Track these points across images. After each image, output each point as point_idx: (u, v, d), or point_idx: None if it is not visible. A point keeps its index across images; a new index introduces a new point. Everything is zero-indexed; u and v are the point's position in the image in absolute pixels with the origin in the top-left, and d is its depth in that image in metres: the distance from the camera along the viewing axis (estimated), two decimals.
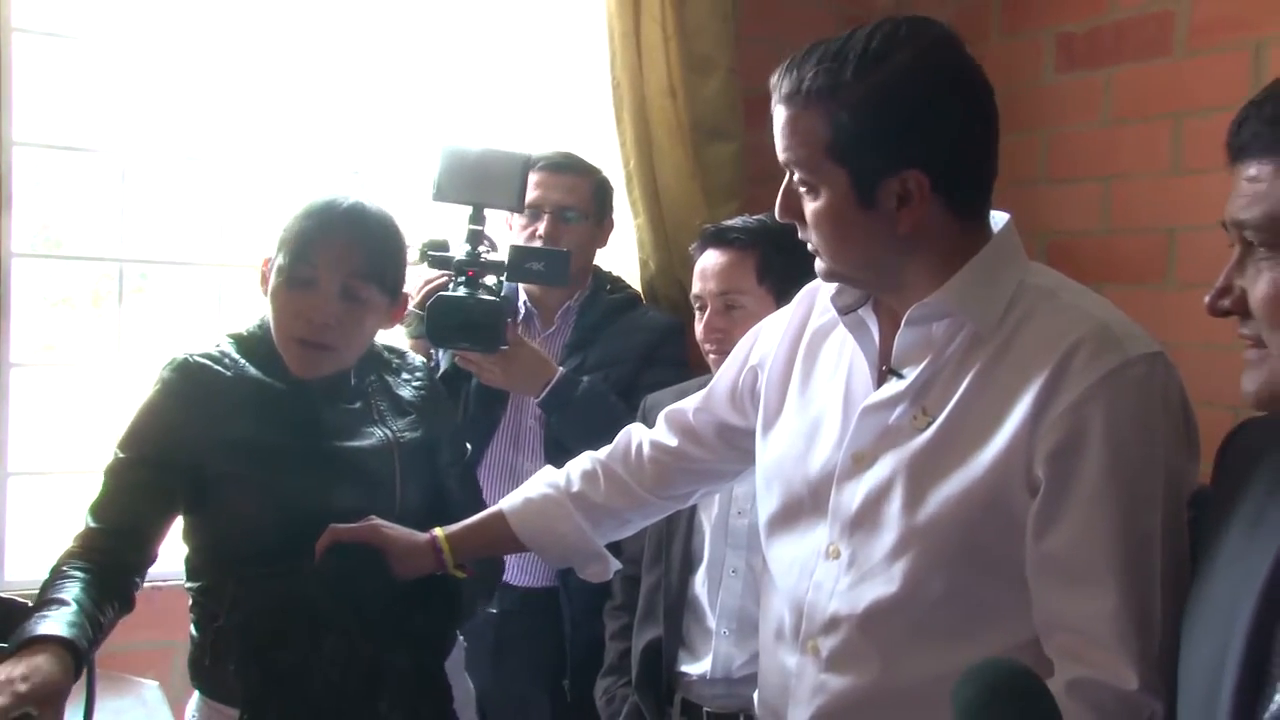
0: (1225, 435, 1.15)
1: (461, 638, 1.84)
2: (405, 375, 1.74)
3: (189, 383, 1.56)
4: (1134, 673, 1.09)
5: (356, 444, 1.61)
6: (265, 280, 1.61)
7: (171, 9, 2.61)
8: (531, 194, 2.22)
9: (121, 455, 1.55)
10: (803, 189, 1.25)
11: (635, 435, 1.64)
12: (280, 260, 1.57)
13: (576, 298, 2.37)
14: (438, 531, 1.57)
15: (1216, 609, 1.03)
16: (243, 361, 1.59)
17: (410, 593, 1.53)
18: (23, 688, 1.25)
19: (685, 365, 2.38)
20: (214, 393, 1.55)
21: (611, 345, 2.31)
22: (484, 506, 1.68)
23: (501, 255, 2.09)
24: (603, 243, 2.44)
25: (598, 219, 2.38)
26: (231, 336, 1.64)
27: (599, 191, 2.38)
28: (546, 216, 2.28)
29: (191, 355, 1.58)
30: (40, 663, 1.29)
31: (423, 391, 1.73)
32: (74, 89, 2.57)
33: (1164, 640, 1.10)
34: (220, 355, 1.59)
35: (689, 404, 1.60)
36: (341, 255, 1.55)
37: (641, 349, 2.32)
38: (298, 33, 2.72)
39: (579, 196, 2.33)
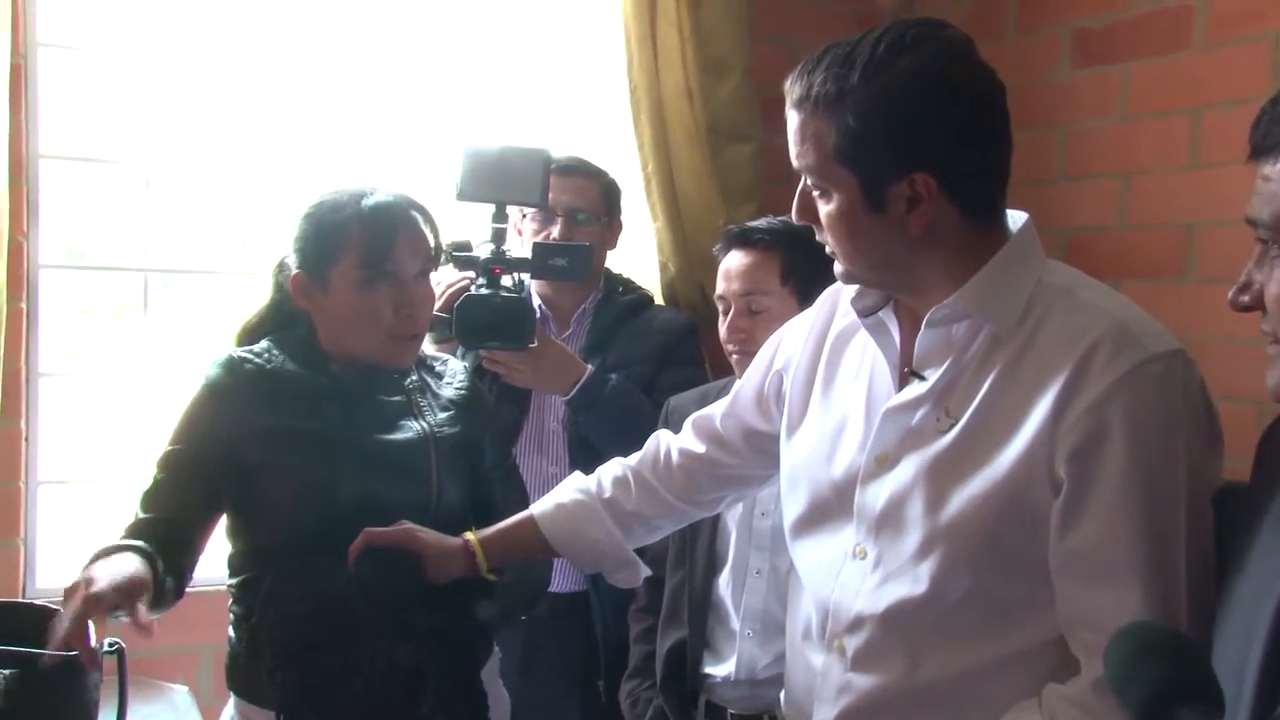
0: (1264, 432, 1.15)
1: (496, 646, 1.84)
2: (448, 378, 1.77)
3: (231, 376, 1.60)
4: None
5: (393, 437, 1.63)
6: (301, 292, 1.64)
7: (193, 23, 2.63)
8: None
9: (170, 448, 1.60)
10: (816, 192, 1.26)
11: (664, 441, 1.64)
12: (348, 267, 1.59)
13: (591, 299, 2.38)
14: (470, 535, 1.58)
15: (1243, 607, 1.03)
16: (283, 357, 1.64)
17: (444, 596, 1.55)
18: (105, 581, 1.31)
19: (701, 364, 2.41)
20: (254, 385, 1.59)
21: (628, 346, 2.31)
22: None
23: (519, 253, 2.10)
24: (613, 244, 2.44)
25: (607, 220, 2.39)
26: (273, 339, 1.68)
27: (608, 193, 2.39)
28: (560, 219, 2.28)
29: (234, 353, 1.64)
30: (123, 559, 1.37)
31: (463, 391, 1.75)
32: (98, 102, 2.60)
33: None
34: (261, 351, 1.64)
35: (715, 410, 1.61)
36: (414, 242, 1.62)
37: (659, 349, 2.32)
38: (317, 43, 2.74)
39: (589, 198, 2.33)
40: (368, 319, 1.60)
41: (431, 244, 1.66)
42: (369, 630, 1.50)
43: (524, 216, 2.30)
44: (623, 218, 2.44)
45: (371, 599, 1.49)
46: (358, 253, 1.58)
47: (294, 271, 1.64)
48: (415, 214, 1.64)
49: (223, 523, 1.64)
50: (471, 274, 2.06)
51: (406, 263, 1.61)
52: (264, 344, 1.66)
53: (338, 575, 1.49)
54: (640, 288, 2.48)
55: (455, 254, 2.04)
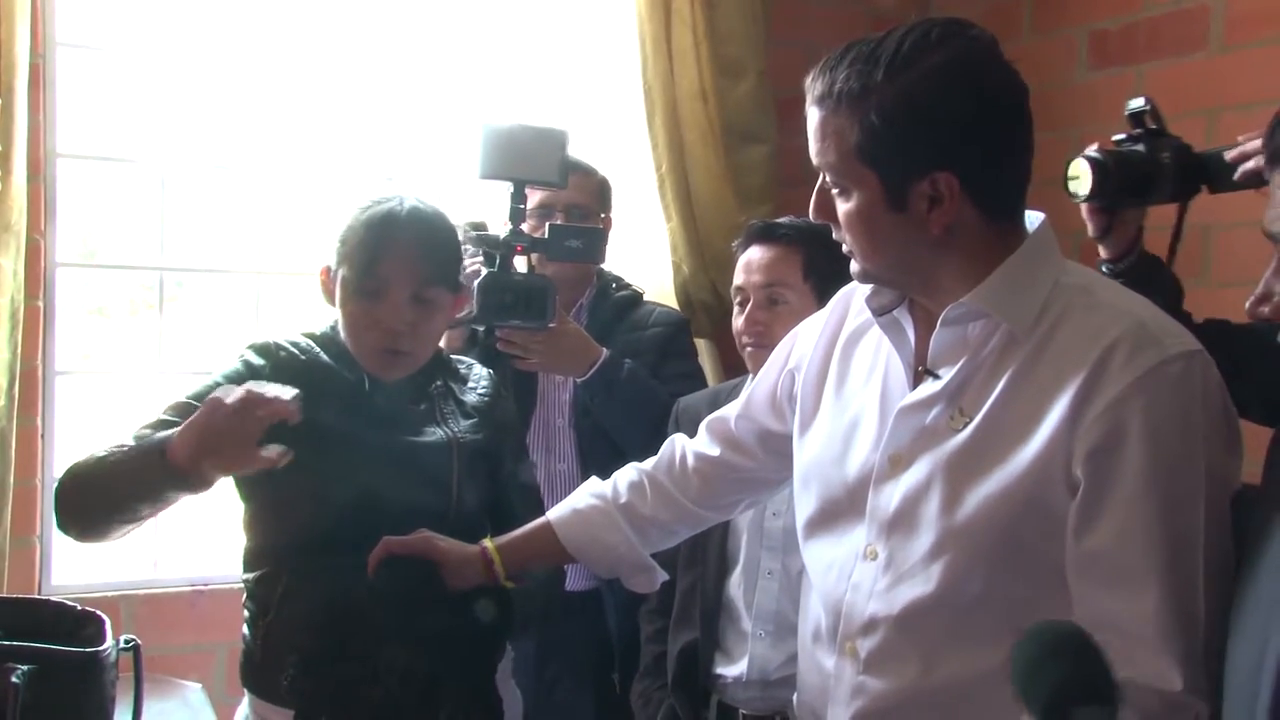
0: (1275, 433, 1.14)
1: (510, 646, 1.84)
2: (471, 383, 1.76)
3: (266, 359, 1.61)
4: (1178, 674, 1.09)
5: (416, 439, 1.63)
6: (327, 288, 1.65)
7: (209, 23, 2.65)
8: (540, 194, 2.23)
9: (185, 399, 1.57)
10: (835, 190, 1.25)
11: (678, 445, 1.63)
12: (345, 273, 1.59)
13: (587, 295, 2.39)
14: (487, 543, 1.58)
15: (1259, 609, 1.03)
16: (317, 350, 1.63)
17: (463, 604, 1.54)
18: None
19: (696, 356, 2.47)
20: (286, 371, 1.58)
21: (627, 340, 2.32)
22: None
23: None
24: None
25: (602, 217, 2.39)
26: (308, 334, 1.68)
27: (602, 189, 2.40)
28: (559, 215, 2.28)
29: (272, 339, 1.64)
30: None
31: (487, 398, 1.75)
32: (115, 101, 2.61)
33: (1209, 640, 1.10)
34: (297, 341, 1.64)
35: (729, 412, 1.60)
36: (409, 265, 1.57)
37: (658, 342, 2.34)
38: (332, 44, 2.75)
39: (588, 195, 2.34)
40: (352, 328, 1.61)
41: (437, 268, 1.60)
42: (388, 638, 1.50)
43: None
44: (613, 214, 2.45)
45: (391, 607, 1.49)
46: (352, 260, 1.58)
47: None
48: (423, 235, 1.59)
49: (239, 516, 1.64)
50: (480, 258, 2.05)
51: (393, 281, 1.57)
52: (301, 336, 1.66)
53: (357, 583, 1.49)
54: (630, 284, 2.49)
55: (473, 233, 2.03)
